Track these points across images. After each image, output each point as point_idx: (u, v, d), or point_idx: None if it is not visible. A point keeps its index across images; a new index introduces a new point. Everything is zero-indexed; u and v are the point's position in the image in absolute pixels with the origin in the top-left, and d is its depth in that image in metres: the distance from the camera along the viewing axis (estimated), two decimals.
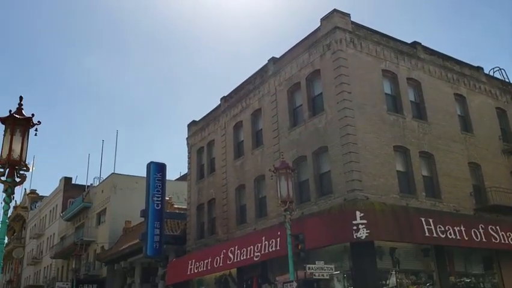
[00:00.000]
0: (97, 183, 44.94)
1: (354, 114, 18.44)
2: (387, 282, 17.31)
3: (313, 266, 15.93)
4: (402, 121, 20.11)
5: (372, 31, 20.96)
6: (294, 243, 15.10)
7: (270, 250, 19.32)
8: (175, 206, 33.32)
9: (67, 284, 38.63)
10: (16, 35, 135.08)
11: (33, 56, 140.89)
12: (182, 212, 31.20)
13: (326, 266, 16.10)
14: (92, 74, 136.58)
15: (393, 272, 17.57)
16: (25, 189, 63.13)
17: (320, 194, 19.12)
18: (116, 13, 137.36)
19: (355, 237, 16.18)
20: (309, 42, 21.05)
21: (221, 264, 22.64)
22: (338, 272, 17.34)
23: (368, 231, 16.08)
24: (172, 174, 65.71)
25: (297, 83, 21.59)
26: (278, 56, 23.46)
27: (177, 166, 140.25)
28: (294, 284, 14.99)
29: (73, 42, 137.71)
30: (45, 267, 53.36)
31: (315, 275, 16.08)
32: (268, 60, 24.03)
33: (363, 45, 20.05)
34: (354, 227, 16.19)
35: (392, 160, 18.92)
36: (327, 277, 16.42)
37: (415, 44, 22.55)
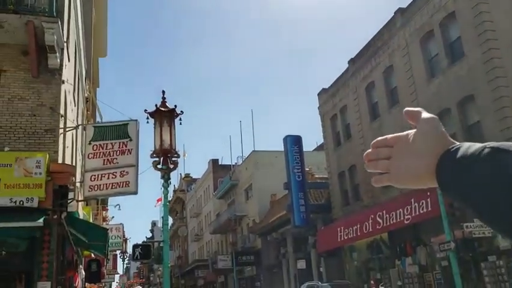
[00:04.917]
0: (241, 162, 47.43)
1: (502, 54, 16.37)
2: None
3: (472, 224, 14.81)
4: None
5: None
6: (447, 202, 14.18)
7: (421, 211, 18.44)
8: (316, 176, 33.62)
9: (227, 257, 41.91)
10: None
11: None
12: (324, 181, 31.38)
13: None
14: (218, 63, 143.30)
15: None
16: (180, 174, 69.47)
17: None
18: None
19: None
20: None
21: (370, 230, 22.35)
22: None
23: None
24: (307, 146, 65.70)
25: (430, 31, 19.90)
26: (405, 6, 21.87)
27: (311, 137, 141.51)
28: (452, 244, 14.16)
29: (204, 38, 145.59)
30: (206, 243, 58.38)
31: (474, 234, 14.95)
32: (394, 13, 22.53)
33: None
34: None
35: None
36: (490, 234, 15.13)
37: None
